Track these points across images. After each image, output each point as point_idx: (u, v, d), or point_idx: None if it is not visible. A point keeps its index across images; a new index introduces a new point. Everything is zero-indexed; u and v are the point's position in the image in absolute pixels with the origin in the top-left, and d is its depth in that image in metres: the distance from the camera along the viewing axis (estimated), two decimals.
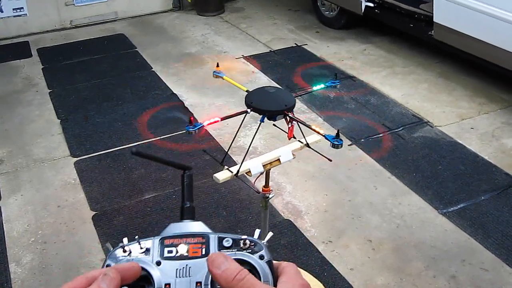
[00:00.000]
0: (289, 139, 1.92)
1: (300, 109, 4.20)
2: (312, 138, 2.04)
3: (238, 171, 1.88)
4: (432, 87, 4.50)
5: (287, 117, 1.87)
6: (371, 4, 5.17)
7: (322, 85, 2.11)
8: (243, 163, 1.93)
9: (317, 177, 3.41)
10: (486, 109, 4.12)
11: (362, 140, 3.77)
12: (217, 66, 2.24)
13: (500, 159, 3.50)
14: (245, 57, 5.20)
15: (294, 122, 1.89)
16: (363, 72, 4.80)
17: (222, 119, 1.92)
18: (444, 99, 4.29)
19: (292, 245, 2.85)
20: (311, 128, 1.88)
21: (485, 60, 4.13)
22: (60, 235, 2.99)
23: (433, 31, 4.49)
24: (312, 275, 2.64)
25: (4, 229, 3.05)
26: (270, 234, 0.70)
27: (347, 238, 2.90)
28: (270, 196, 2.15)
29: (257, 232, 0.66)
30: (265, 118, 1.89)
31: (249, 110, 1.88)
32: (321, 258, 2.75)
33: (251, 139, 2.10)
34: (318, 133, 1.87)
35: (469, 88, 4.45)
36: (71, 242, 2.94)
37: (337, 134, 1.80)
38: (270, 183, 3.34)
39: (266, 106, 1.86)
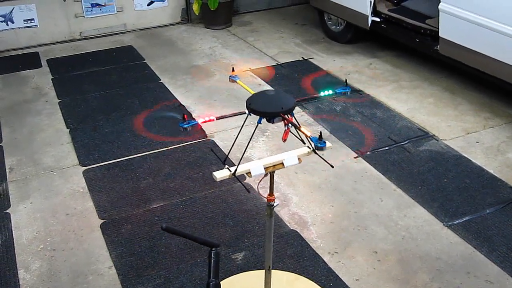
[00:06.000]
0: (284, 141, 1.90)
1: (307, 121, 4.24)
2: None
3: (235, 170, 1.89)
4: (437, 101, 4.53)
5: (284, 119, 1.88)
6: (377, 19, 5.23)
7: (331, 91, 2.12)
8: (246, 164, 1.94)
9: (323, 188, 3.44)
10: (491, 123, 4.15)
11: (368, 153, 3.80)
12: (233, 70, 2.30)
13: (505, 173, 3.52)
14: (252, 70, 5.26)
15: (290, 125, 1.89)
16: (369, 86, 4.85)
17: (218, 118, 1.97)
18: (449, 113, 4.32)
19: (298, 255, 2.87)
20: (300, 130, 1.86)
21: (490, 75, 4.17)
22: (69, 243, 3.03)
23: (438, 46, 4.54)
24: (318, 285, 2.66)
25: (14, 236, 3.09)
26: None
27: (353, 249, 2.92)
28: (275, 204, 2.17)
29: None
30: (263, 120, 1.91)
31: (247, 111, 1.91)
32: (327, 269, 2.77)
33: (251, 143, 2.13)
34: (306, 135, 1.85)
35: (474, 102, 4.48)
36: (80, 249, 2.98)
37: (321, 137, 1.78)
38: (276, 194, 3.39)
39: (263, 108, 1.88)
